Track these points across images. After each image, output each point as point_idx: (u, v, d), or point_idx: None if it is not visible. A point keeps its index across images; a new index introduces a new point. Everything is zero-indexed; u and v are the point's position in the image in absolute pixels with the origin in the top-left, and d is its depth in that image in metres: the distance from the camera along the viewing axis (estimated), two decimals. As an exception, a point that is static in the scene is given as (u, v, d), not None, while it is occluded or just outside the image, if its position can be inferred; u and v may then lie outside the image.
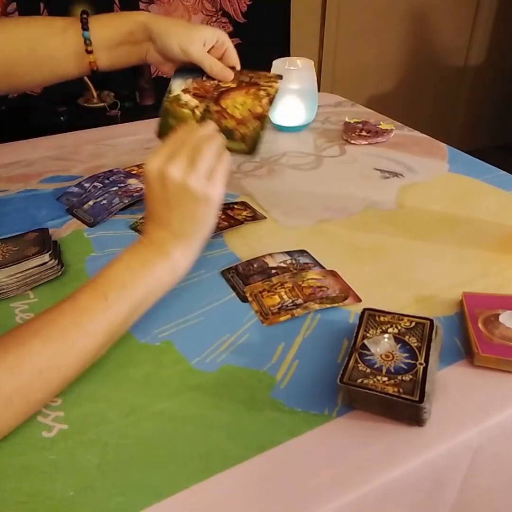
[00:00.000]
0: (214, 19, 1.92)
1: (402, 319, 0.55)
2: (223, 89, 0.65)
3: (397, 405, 0.47)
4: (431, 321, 0.54)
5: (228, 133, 0.61)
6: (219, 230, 0.74)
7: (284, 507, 0.42)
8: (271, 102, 0.63)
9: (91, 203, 0.82)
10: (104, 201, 0.82)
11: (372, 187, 0.89)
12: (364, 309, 0.57)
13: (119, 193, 0.83)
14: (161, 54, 0.68)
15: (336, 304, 0.62)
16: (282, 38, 2.10)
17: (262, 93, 0.64)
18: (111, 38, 0.67)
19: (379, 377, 0.49)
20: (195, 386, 0.52)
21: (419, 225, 0.79)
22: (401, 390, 0.47)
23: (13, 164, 0.97)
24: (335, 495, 0.43)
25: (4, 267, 0.66)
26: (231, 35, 1.99)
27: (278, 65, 1.07)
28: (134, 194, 0.83)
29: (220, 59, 0.67)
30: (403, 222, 0.79)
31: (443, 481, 0.49)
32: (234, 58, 0.67)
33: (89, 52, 0.66)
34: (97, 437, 0.47)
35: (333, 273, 0.67)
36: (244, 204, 0.83)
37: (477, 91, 2.77)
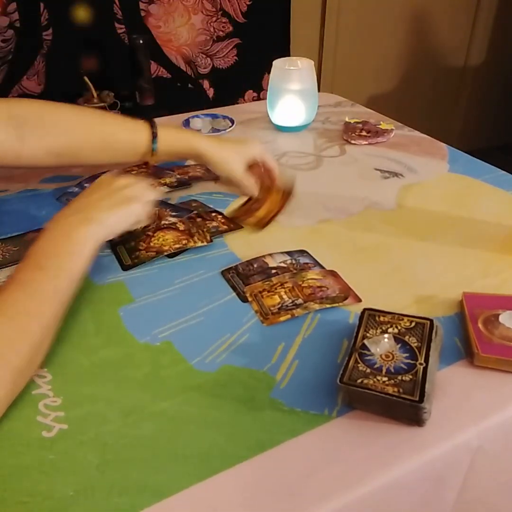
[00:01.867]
0: (214, 19, 1.92)
1: (402, 319, 0.55)
2: (167, 224, 0.75)
3: (397, 405, 0.47)
4: (431, 321, 0.54)
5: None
6: (218, 233, 0.74)
7: (284, 507, 0.42)
8: (171, 256, 0.71)
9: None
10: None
11: (372, 187, 0.89)
12: (364, 309, 0.57)
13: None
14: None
15: (336, 304, 0.62)
16: (282, 38, 2.09)
17: (184, 241, 0.72)
18: (172, 152, 0.80)
19: (379, 377, 0.49)
20: (195, 386, 0.52)
21: (419, 225, 0.79)
22: (401, 390, 0.47)
23: (13, 164, 0.97)
24: (335, 495, 0.43)
25: (4, 267, 0.66)
26: (231, 35, 1.99)
27: (278, 65, 1.06)
28: (134, 194, 0.83)
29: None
30: (403, 222, 0.79)
31: (443, 481, 0.49)
32: (272, 172, 0.80)
33: (152, 155, 0.79)
34: (97, 437, 0.47)
35: (333, 273, 0.67)
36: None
37: (477, 91, 2.77)
